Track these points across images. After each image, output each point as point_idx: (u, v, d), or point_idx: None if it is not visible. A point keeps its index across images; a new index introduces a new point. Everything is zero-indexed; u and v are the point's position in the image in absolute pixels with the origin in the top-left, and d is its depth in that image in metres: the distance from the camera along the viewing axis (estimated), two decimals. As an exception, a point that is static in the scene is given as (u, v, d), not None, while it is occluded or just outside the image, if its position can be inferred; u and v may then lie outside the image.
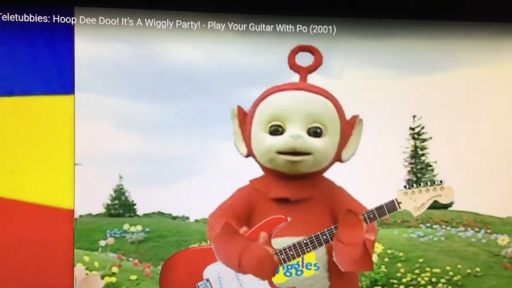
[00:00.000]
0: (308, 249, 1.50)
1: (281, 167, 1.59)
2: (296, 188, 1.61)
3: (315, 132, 1.58)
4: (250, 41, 1.72)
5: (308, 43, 1.69)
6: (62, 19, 1.54)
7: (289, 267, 1.54)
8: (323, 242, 1.50)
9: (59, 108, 1.51)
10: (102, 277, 2.07)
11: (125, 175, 1.81)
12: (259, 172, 1.68)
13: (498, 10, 1.79)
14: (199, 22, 1.67)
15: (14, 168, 1.45)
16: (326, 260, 1.56)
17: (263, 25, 1.71)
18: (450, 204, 2.03)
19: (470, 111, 1.88)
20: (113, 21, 1.63)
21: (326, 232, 1.50)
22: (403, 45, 1.80)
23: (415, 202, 1.50)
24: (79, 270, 1.73)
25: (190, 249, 1.67)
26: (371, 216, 1.49)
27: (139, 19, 1.64)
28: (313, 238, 1.50)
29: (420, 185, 1.52)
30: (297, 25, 1.72)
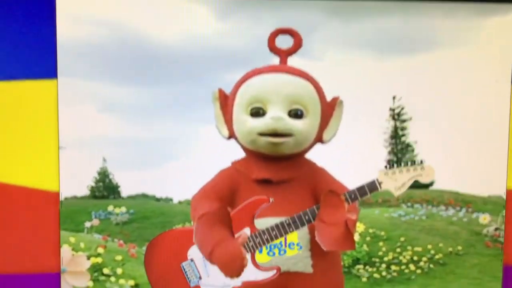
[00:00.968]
0: (291, 229, 1.52)
1: (263, 149, 1.61)
2: (278, 169, 1.63)
3: (296, 114, 1.60)
4: (231, 24, 1.72)
5: (288, 26, 1.69)
6: (44, 4, 1.54)
7: (272, 246, 1.56)
8: (305, 222, 1.52)
9: (42, 93, 1.52)
10: (88, 257, 2.08)
11: (108, 158, 1.82)
12: (241, 154, 1.70)
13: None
14: (181, 5, 1.67)
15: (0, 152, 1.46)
16: (308, 240, 1.58)
17: (244, 8, 1.71)
18: (431, 184, 2.05)
19: (450, 92, 1.90)
20: (95, 5, 1.62)
21: (308, 212, 1.52)
22: (384, 26, 1.81)
23: (396, 182, 1.51)
24: (66, 251, 1.75)
25: (174, 230, 1.69)
26: (353, 196, 1.51)
27: (121, 2, 1.64)
28: (296, 218, 1.51)
29: (400, 165, 1.53)
30: (277, 8, 1.73)
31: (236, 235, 1.52)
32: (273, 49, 1.66)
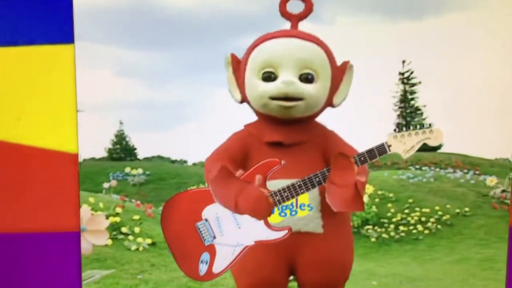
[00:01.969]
0: (302, 191, 1.54)
1: (274, 112, 1.64)
2: (289, 132, 1.66)
3: (306, 78, 1.62)
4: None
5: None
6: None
7: (284, 208, 1.59)
8: (316, 184, 1.54)
9: (60, 57, 1.54)
10: (107, 217, 2.14)
11: (125, 121, 1.88)
12: (254, 117, 1.74)
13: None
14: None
15: (20, 115, 1.48)
16: (319, 201, 1.62)
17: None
18: (439, 147, 2.09)
19: (459, 56, 1.93)
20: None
21: (319, 175, 1.53)
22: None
23: (405, 145, 1.52)
24: (85, 210, 1.79)
25: (189, 191, 1.72)
26: (362, 158, 1.52)
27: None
28: (307, 180, 1.53)
29: (409, 128, 1.54)
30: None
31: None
32: (284, 14, 1.68)
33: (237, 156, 1.67)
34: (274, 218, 1.57)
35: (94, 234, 1.76)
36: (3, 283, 1.50)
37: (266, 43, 1.65)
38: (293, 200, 1.58)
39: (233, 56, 1.70)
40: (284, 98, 1.60)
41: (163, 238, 1.62)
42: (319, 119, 1.73)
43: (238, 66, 1.69)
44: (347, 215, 1.74)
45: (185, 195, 1.66)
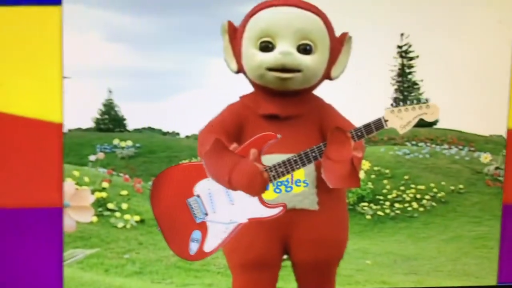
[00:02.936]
0: (298, 166, 1.51)
1: (271, 84, 1.59)
2: (285, 105, 1.61)
3: (304, 49, 1.57)
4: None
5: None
6: None
7: (279, 183, 1.56)
8: (312, 159, 1.51)
9: (46, 19, 1.48)
10: (93, 192, 2.08)
11: (114, 89, 1.80)
12: (250, 89, 1.68)
13: None
14: None
15: (2, 81, 1.43)
16: (314, 177, 1.58)
17: None
18: (435, 122, 2.05)
19: (456, 30, 1.87)
20: None
21: (315, 149, 1.50)
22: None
23: (402, 120, 1.50)
24: (69, 185, 1.74)
25: (181, 165, 1.68)
26: (359, 133, 1.49)
27: None
28: (302, 155, 1.50)
29: (406, 103, 1.51)
30: None
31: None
32: (283, -18, 1.63)
33: (232, 129, 1.62)
34: (269, 195, 1.53)
35: (78, 210, 1.71)
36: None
37: (264, 12, 1.59)
38: (289, 176, 1.54)
39: (230, 24, 1.64)
40: (281, 69, 1.56)
41: (152, 215, 1.58)
42: (316, 92, 1.69)
43: (235, 34, 1.64)
44: (343, 192, 1.71)
45: (176, 169, 1.61)
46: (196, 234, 1.53)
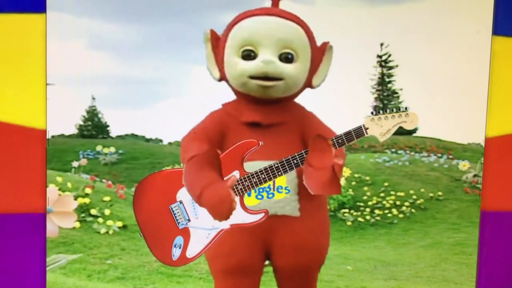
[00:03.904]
0: (279, 173, 1.53)
1: (253, 92, 1.61)
2: (267, 113, 1.63)
3: (286, 58, 1.59)
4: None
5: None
6: None
7: (261, 190, 1.57)
8: (293, 166, 1.53)
9: (30, 27, 1.48)
10: (75, 198, 2.08)
11: (98, 96, 1.81)
12: (232, 96, 1.70)
13: None
14: None
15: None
16: (296, 184, 1.59)
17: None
18: (414, 130, 2.07)
19: (436, 40, 1.90)
20: None
21: (297, 156, 1.52)
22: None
23: (381, 128, 1.52)
24: (52, 191, 1.73)
25: (164, 171, 1.68)
26: (340, 141, 1.51)
27: None
28: (284, 162, 1.52)
29: (386, 111, 1.53)
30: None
31: (225, 178, 1.52)
32: (265, -9, 1.65)
33: (215, 136, 1.63)
34: (251, 201, 1.56)
35: (61, 216, 1.71)
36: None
37: (247, 21, 1.61)
38: (271, 183, 1.56)
39: (213, 33, 1.66)
40: (263, 77, 1.57)
41: (134, 221, 1.59)
42: (298, 100, 1.70)
43: (217, 43, 1.65)
44: (324, 198, 1.72)
45: (159, 175, 1.62)
46: (179, 239, 1.53)
